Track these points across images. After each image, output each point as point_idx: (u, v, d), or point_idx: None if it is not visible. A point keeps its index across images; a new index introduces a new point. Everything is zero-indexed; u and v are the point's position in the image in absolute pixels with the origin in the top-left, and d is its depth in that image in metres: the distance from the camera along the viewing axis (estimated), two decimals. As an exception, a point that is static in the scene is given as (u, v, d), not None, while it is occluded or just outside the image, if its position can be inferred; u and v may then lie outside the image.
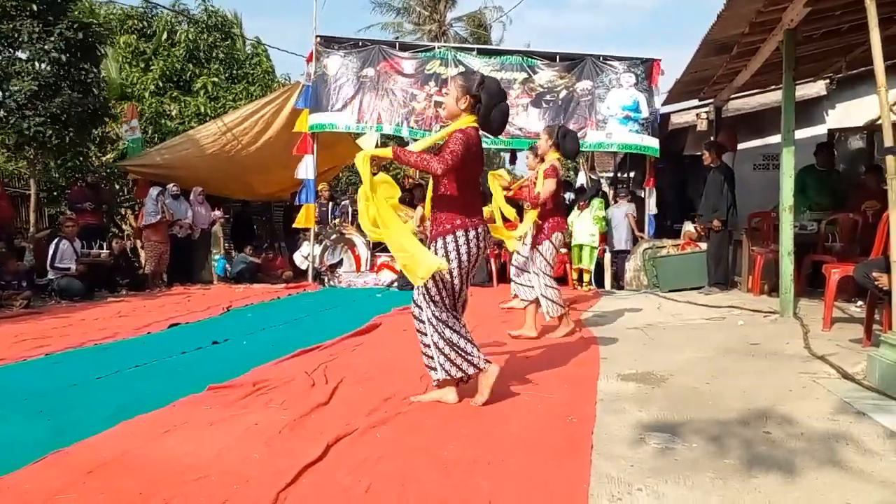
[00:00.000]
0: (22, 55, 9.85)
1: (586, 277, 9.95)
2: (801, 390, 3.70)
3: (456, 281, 3.48)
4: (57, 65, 9.61)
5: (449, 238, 3.45)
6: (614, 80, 10.33)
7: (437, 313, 3.47)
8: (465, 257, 3.46)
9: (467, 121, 3.49)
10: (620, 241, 10.70)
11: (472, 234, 3.46)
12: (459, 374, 3.49)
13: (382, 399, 3.62)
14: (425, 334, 3.53)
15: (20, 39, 9.52)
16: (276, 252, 12.18)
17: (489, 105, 3.45)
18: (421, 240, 3.53)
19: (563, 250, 9.83)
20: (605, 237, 10.43)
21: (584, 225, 10.18)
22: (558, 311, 5.54)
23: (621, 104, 10.29)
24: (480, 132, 3.56)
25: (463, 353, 3.46)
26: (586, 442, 2.94)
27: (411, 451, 2.87)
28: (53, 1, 9.70)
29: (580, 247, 10.13)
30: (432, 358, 3.53)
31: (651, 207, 10.44)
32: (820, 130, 9.53)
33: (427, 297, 3.48)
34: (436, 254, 3.44)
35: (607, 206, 11.08)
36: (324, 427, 3.13)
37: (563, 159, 5.64)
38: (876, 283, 4.17)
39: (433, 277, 3.41)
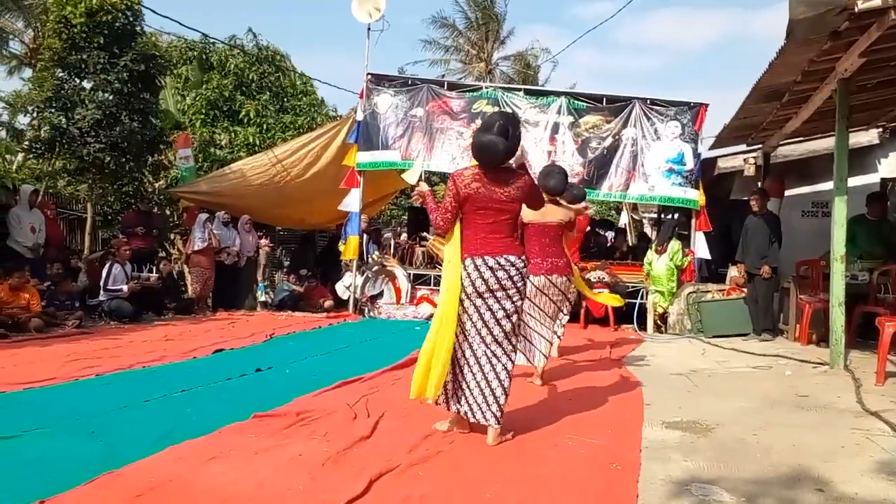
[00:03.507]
0: (86, 84, 10.29)
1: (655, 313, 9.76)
2: (853, 447, 3.59)
3: (468, 309, 3.65)
4: (119, 94, 10.01)
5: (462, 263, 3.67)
6: (661, 129, 10.26)
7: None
8: (465, 284, 3.62)
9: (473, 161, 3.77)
10: None
11: (468, 262, 3.63)
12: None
13: (423, 435, 3.64)
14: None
15: (86, 70, 9.96)
16: (319, 281, 12.31)
17: (472, 143, 3.71)
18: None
19: (605, 291, 9.77)
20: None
21: (660, 271, 9.83)
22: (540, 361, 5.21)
23: (666, 157, 10.18)
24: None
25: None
26: (631, 491, 2.90)
27: (454, 490, 2.87)
28: (120, 34, 10.14)
29: (661, 293, 9.81)
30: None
31: (702, 251, 10.10)
32: (872, 179, 9.36)
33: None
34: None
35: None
36: (366, 461, 3.15)
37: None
38: (933, 339, 4.06)
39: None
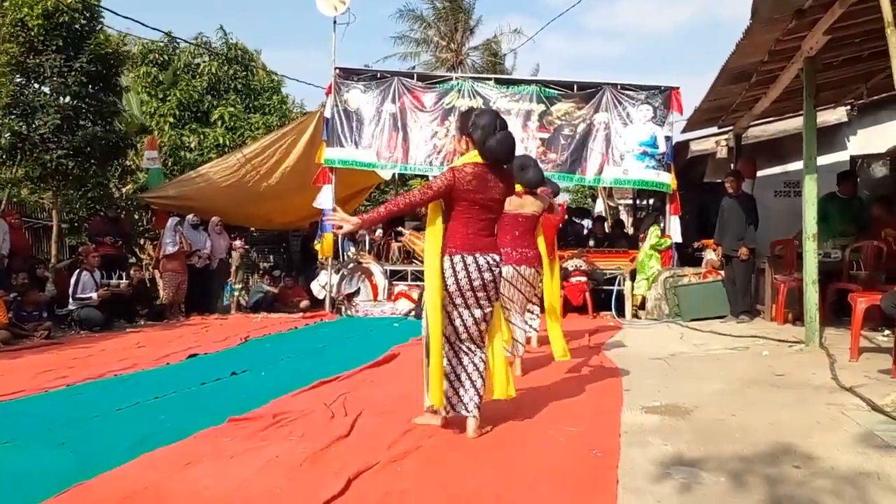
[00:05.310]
0: (45, 89, 10.06)
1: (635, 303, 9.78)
2: (829, 423, 3.62)
3: (446, 307, 3.59)
4: (78, 98, 9.79)
5: (445, 258, 3.56)
6: (632, 112, 10.29)
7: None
8: (450, 282, 3.53)
9: (467, 157, 3.59)
10: None
11: (446, 261, 3.53)
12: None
13: (402, 432, 3.59)
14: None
15: (44, 73, 9.74)
16: (294, 281, 12.20)
17: (482, 139, 3.52)
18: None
19: (582, 279, 9.79)
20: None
21: (643, 257, 9.88)
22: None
23: (638, 140, 10.22)
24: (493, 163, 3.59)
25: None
26: (611, 476, 2.88)
27: (433, 485, 2.83)
28: (79, 35, 9.92)
29: (645, 279, 9.80)
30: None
31: (675, 235, 10.18)
32: (842, 157, 9.46)
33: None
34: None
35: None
36: (344, 460, 3.10)
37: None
38: (905, 312, 4.09)
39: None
